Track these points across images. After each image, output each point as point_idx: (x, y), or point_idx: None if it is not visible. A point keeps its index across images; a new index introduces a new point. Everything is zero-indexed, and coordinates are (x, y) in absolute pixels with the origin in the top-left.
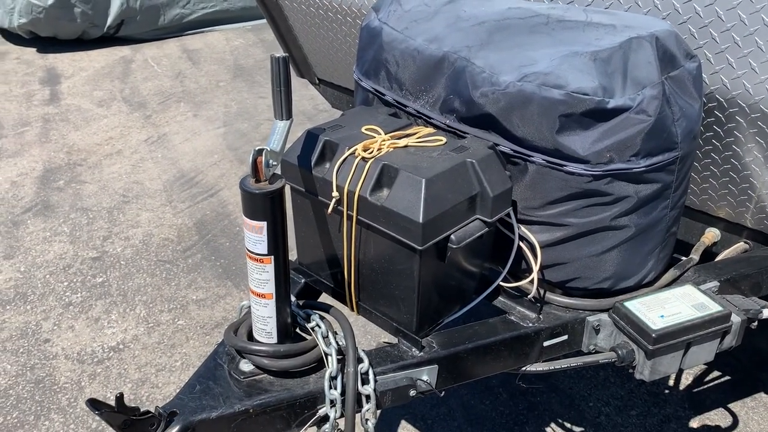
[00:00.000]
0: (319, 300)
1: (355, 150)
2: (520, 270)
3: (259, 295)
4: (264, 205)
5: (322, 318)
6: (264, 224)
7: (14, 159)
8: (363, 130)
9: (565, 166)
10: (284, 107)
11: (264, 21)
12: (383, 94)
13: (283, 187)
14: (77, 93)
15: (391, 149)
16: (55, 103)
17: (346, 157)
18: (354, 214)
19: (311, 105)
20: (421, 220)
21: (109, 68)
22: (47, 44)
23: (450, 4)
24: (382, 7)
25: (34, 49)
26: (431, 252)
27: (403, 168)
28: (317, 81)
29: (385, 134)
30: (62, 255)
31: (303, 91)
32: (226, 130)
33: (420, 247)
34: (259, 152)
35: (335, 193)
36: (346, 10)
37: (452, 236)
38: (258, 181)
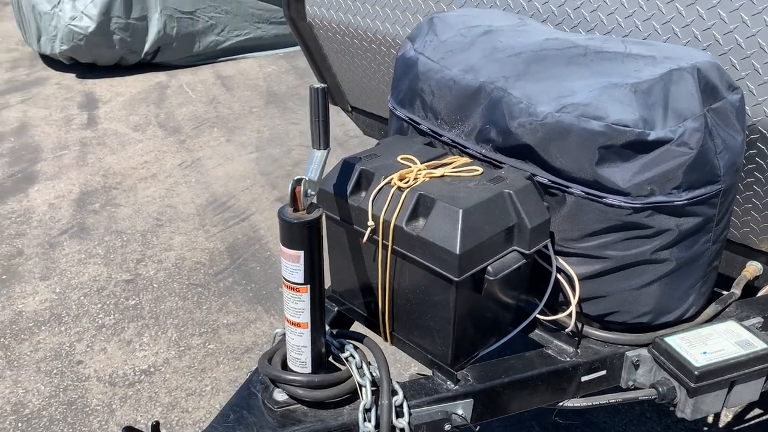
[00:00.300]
0: (351, 329)
1: (391, 179)
2: (557, 303)
3: (294, 324)
4: (302, 235)
5: (355, 348)
6: (301, 253)
7: (52, 182)
8: (399, 159)
9: (605, 198)
10: (322, 137)
11: (296, 48)
12: (418, 123)
13: (320, 217)
14: (114, 117)
15: (427, 179)
16: (92, 127)
17: (382, 187)
18: (389, 244)
19: (342, 131)
20: (458, 252)
21: (145, 93)
22: (86, 70)
23: (486, 35)
24: (417, 37)
25: (74, 75)
26: (468, 283)
27: (439, 198)
28: (350, 108)
29: (421, 163)
30: (96, 277)
31: (335, 118)
32: (258, 156)
33: (457, 279)
34: (298, 182)
35: (371, 222)
36: (380, 39)
37: (489, 268)
38: (296, 210)
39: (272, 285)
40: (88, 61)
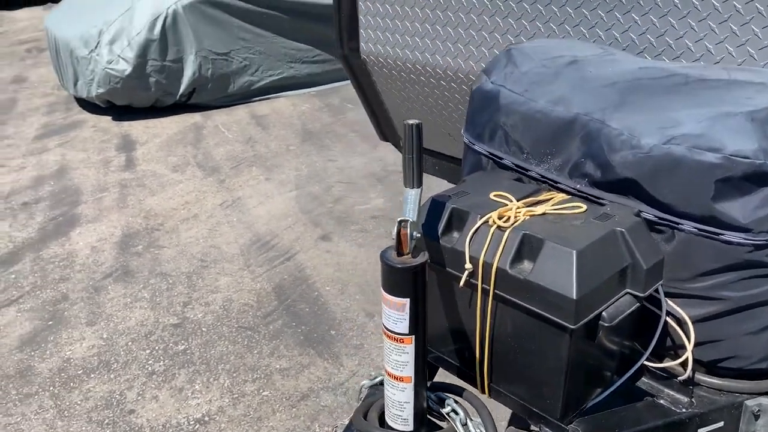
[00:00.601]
0: (436, 378)
1: (489, 218)
2: (664, 347)
3: (396, 378)
4: (408, 281)
5: (456, 402)
6: (407, 302)
7: (93, 224)
8: (491, 196)
9: (722, 234)
10: (416, 175)
11: (328, 86)
12: (500, 158)
13: (426, 261)
14: (152, 159)
15: (528, 217)
16: (131, 169)
17: (480, 226)
18: (490, 288)
19: (380, 167)
20: (574, 297)
21: (181, 134)
22: (122, 112)
23: (572, 65)
24: (494, 69)
25: (110, 117)
26: (582, 331)
27: (548, 238)
28: (401, 143)
29: (517, 201)
30: (143, 321)
31: (371, 154)
32: (298, 193)
33: (572, 326)
34: (403, 223)
35: (468, 265)
36: (437, 74)
37: (603, 313)
38: (400, 254)
39: (323, 327)
40: (124, 104)
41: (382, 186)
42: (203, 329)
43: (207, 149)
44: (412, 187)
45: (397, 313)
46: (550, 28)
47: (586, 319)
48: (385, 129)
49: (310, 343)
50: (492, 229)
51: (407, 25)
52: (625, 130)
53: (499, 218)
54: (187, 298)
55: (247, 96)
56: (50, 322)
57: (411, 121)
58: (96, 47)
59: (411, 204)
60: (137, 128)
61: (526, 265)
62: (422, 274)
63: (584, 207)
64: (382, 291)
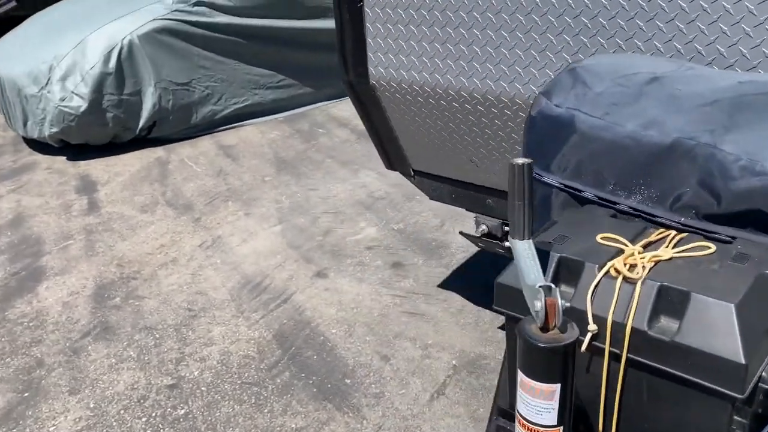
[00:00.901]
0: None
1: (611, 268)
2: None
3: None
4: (558, 363)
5: None
6: (556, 388)
7: (62, 277)
8: (599, 240)
9: None
10: (526, 224)
11: (295, 111)
12: (579, 191)
13: (578, 336)
14: (117, 200)
15: (652, 263)
16: (95, 212)
17: (601, 278)
18: (623, 353)
19: (365, 193)
20: (743, 361)
21: (145, 171)
22: (78, 151)
23: (653, 83)
24: (557, 91)
25: (65, 158)
26: (746, 399)
27: (693, 289)
28: (412, 172)
29: (631, 243)
30: (134, 384)
31: (353, 180)
32: (283, 228)
33: (740, 396)
34: (549, 290)
35: (593, 326)
36: (452, 96)
37: (764, 374)
38: (546, 329)
39: (336, 376)
40: (79, 142)
41: (370, 213)
42: (203, 389)
43: (175, 185)
44: (522, 238)
45: (543, 402)
46: (598, 42)
47: (751, 385)
48: (394, 159)
49: (325, 395)
50: (618, 282)
51: (425, 47)
52: (743, 154)
53: (625, 268)
54: (179, 354)
55: (211, 126)
56: (26, 394)
57: (519, 161)
58: (47, 84)
59: (530, 260)
60: (96, 167)
61: (667, 323)
62: (573, 352)
63: (713, 247)
64: (521, 375)
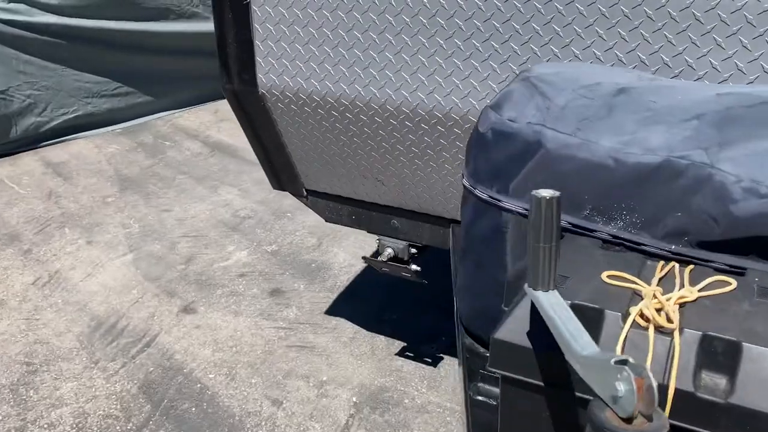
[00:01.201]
0: None
1: (636, 316)
2: None
3: None
4: None
5: None
6: None
7: None
8: (605, 279)
9: None
10: (552, 272)
11: (135, 122)
12: None
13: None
14: None
15: (677, 306)
16: None
17: (629, 330)
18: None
19: (229, 213)
20: None
21: None
22: None
23: (621, 95)
24: (509, 104)
25: None
26: None
27: (741, 339)
28: (305, 192)
29: (642, 281)
30: None
31: (212, 198)
32: (135, 256)
33: None
34: (636, 368)
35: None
36: (376, 109)
37: None
38: (629, 420)
39: (221, 429)
40: None
41: (238, 235)
42: None
43: None
44: (546, 289)
45: None
46: (530, 49)
47: None
48: (282, 177)
49: None
50: (651, 334)
51: (326, 51)
52: (744, 175)
53: (657, 314)
54: (21, 422)
55: (35, 140)
56: None
57: (545, 193)
58: None
59: (571, 320)
60: None
61: (713, 380)
62: None
63: (733, 282)
64: None
